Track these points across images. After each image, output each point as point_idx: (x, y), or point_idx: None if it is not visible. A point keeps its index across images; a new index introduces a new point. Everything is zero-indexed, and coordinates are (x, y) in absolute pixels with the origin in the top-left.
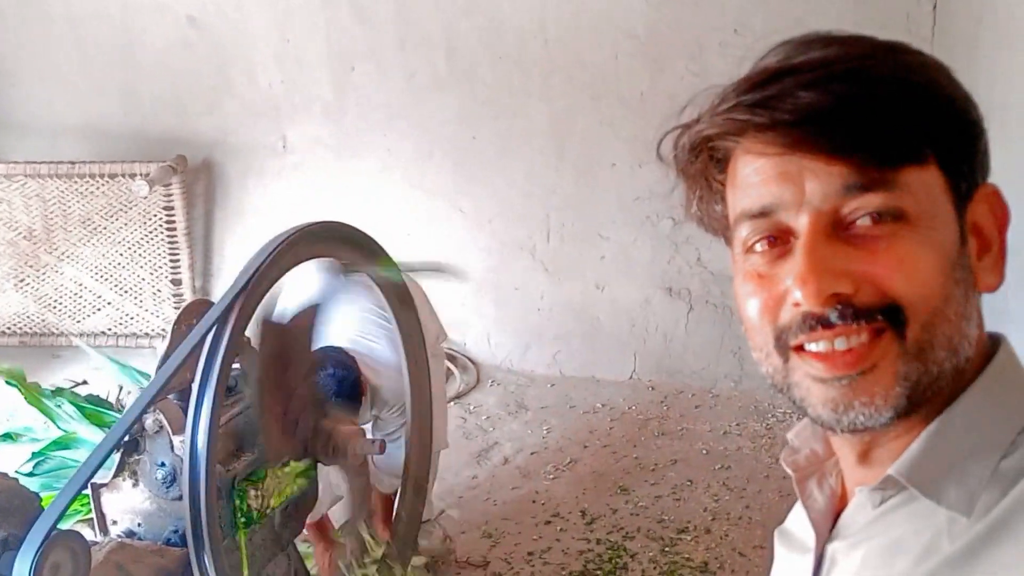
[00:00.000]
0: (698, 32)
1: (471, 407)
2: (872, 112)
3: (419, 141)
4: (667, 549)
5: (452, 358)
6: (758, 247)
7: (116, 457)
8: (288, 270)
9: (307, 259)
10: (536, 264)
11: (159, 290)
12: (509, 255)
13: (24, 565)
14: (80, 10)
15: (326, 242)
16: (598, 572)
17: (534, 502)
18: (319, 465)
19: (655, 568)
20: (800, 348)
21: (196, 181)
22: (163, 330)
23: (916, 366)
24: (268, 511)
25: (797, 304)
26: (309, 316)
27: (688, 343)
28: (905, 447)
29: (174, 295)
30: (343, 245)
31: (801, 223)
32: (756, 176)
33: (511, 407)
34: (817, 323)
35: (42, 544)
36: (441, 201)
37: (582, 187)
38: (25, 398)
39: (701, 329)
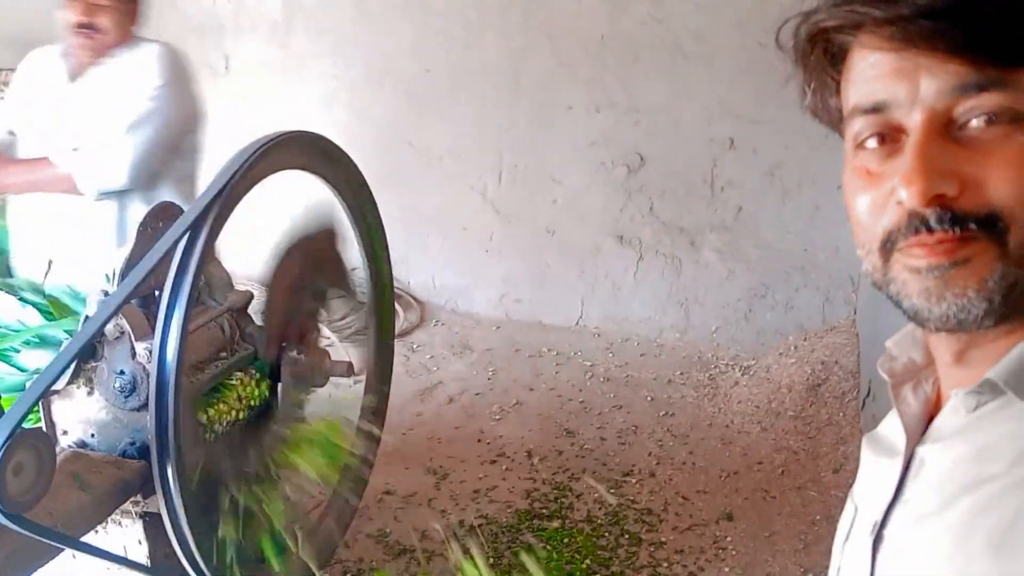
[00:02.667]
0: None
1: (415, 346)
2: (992, 10)
3: (369, 70)
4: (612, 491)
5: (397, 296)
6: (869, 143)
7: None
8: (262, 179)
9: (281, 169)
10: (486, 204)
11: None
12: (458, 194)
13: None
14: None
15: (302, 153)
16: (543, 511)
17: (479, 441)
18: None
19: (600, 509)
20: (901, 251)
21: None
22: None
23: (1013, 270)
24: (229, 425)
25: (900, 203)
26: (333, 236)
27: (636, 292)
28: (1003, 351)
29: None
30: (319, 157)
31: (913, 121)
32: (871, 71)
33: (456, 348)
34: (919, 223)
35: (4, 443)
36: (390, 133)
37: (536, 128)
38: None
39: (649, 279)
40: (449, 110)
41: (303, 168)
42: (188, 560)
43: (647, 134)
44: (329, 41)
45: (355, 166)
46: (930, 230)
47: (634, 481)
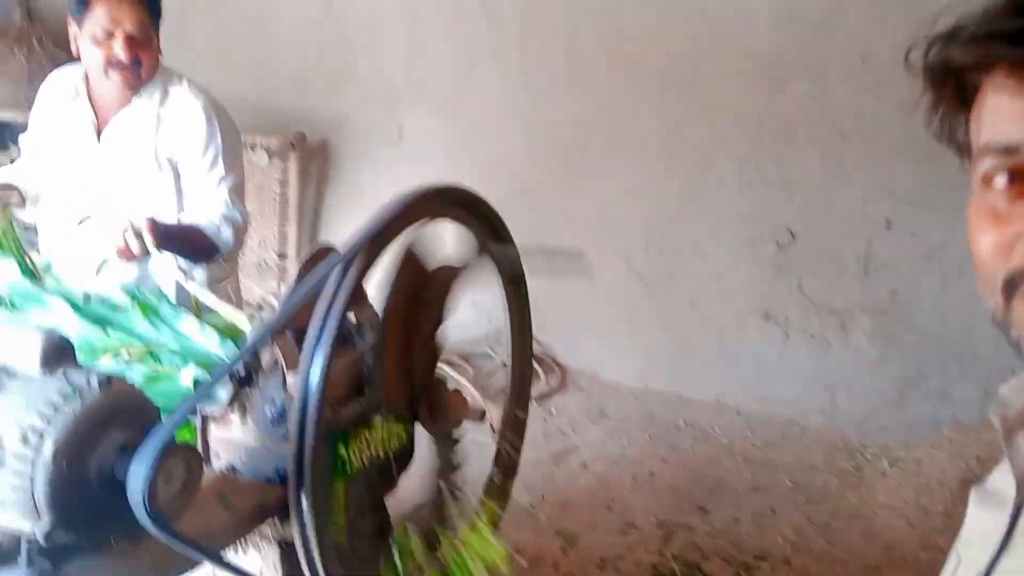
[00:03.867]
0: (822, 56)
1: (553, 409)
2: None
3: (529, 140)
4: (743, 574)
5: (539, 359)
6: (998, 182)
7: (229, 389)
8: (413, 225)
9: (433, 217)
10: (631, 274)
11: (265, 261)
12: (605, 262)
13: (141, 468)
14: None
15: (455, 206)
16: None
17: (610, 509)
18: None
19: None
20: None
21: (312, 160)
22: (262, 299)
23: None
24: (367, 463)
25: None
26: (454, 273)
27: (780, 371)
28: None
29: (279, 267)
30: (471, 212)
31: None
32: (1005, 112)
33: (593, 414)
34: None
35: (160, 451)
36: (544, 201)
37: (686, 202)
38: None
39: (795, 359)
40: (602, 180)
41: (453, 218)
42: None
43: (799, 211)
44: (494, 112)
45: (502, 221)
46: None
47: (767, 567)
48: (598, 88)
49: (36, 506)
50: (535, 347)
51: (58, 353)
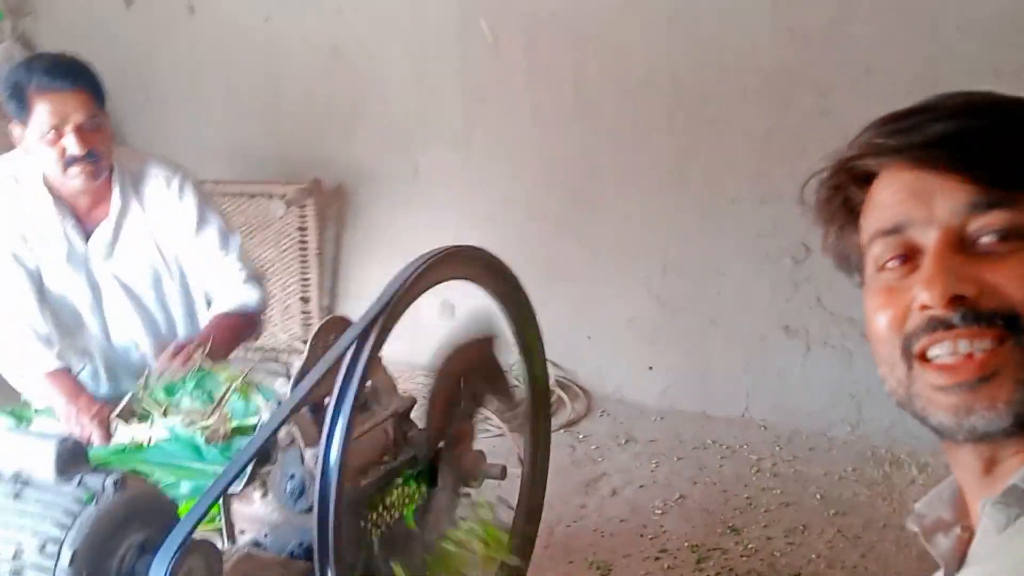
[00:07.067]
0: (828, 70)
1: (580, 436)
2: (997, 140)
3: (541, 171)
4: None
5: (564, 386)
6: (889, 265)
7: (248, 468)
8: (425, 290)
9: (444, 280)
10: (651, 296)
11: (288, 306)
12: (624, 286)
13: (160, 569)
14: (229, 38)
15: (465, 266)
16: None
17: (642, 536)
18: None
19: None
20: (923, 357)
21: (330, 204)
22: (289, 344)
23: None
24: (389, 527)
25: (923, 307)
26: (492, 341)
27: (804, 384)
28: None
29: (302, 312)
30: (482, 271)
31: (930, 238)
32: (890, 198)
33: (620, 438)
34: (939, 325)
35: (178, 550)
36: (560, 230)
37: (701, 222)
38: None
39: (818, 371)
40: (616, 206)
41: (465, 279)
42: None
43: (814, 225)
44: (506, 146)
45: (514, 277)
46: (950, 327)
47: None
48: (607, 116)
49: None
50: (560, 374)
51: (73, 459)
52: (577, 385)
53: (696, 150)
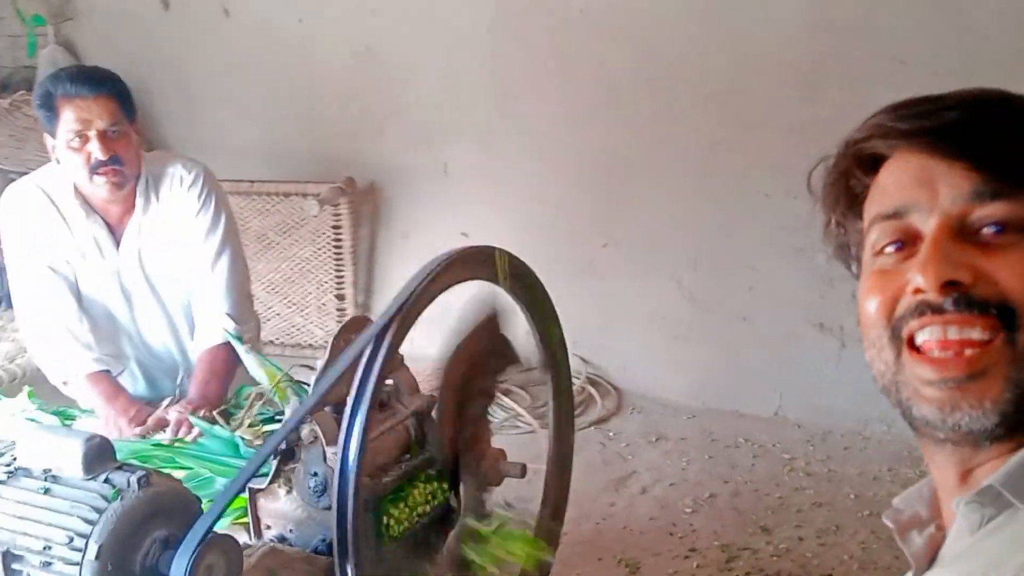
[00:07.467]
0: (860, 62)
1: (611, 433)
2: (1007, 133)
3: (568, 167)
4: None
5: (594, 383)
6: (887, 250)
7: (273, 464)
8: (443, 291)
9: (462, 281)
10: (681, 293)
11: (324, 304)
12: (653, 283)
13: (181, 564)
14: (263, 39)
15: (480, 266)
16: None
17: (671, 534)
18: None
19: None
20: (912, 344)
21: (363, 202)
22: (325, 342)
23: None
24: (411, 525)
25: (917, 291)
26: (496, 323)
27: (838, 382)
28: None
29: (338, 309)
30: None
31: (930, 225)
32: (894, 181)
33: (650, 436)
34: (929, 308)
35: (198, 545)
36: (588, 227)
37: (732, 217)
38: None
39: (853, 368)
40: (644, 202)
41: (484, 279)
42: None
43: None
44: (535, 143)
45: (533, 275)
46: (940, 311)
47: None
48: (635, 111)
49: None
50: (591, 371)
51: (99, 456)
52: (608, 382)
53: (724, 144)
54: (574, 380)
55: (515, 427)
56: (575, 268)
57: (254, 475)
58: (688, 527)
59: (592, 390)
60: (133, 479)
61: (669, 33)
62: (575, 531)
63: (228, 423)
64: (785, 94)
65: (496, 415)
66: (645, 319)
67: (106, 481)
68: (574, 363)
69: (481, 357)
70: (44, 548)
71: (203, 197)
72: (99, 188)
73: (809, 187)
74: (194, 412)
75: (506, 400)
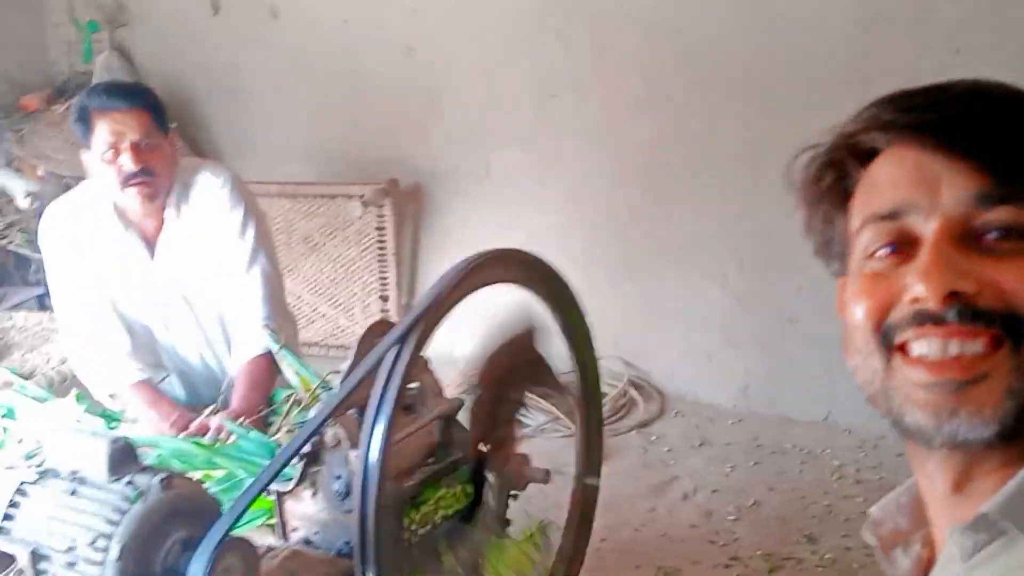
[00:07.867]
0: (913, 52)
1: (653, 437)
2: (1015, 130)
3: (612, 167)
4: None
5: (637, 386)
6: (879, 253)
7: (299, 467)
8: (468, 294)
9: (488, 284)
10: (726, 293)
11: (368, 305)
12: (698, 284)
13: (199, 566)
14: (310, 41)
15: (507, 269)
16: None
17: (712, 543)
18: None
19: None
20: (904, 350)
21: (407, 203)
22: None
23: None
24: (433, 527)
25: (915, 300)
26: (533, 336)
27: None
28: (1003, 482)
29: (382, 310)
30: (527, 274)
31: (929, 228)
32: (891, 179)
33: (694, 441)
34: (929, 319)
35: (216, 547)
36: (631, 227)
37: (778, 215)
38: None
39: None
40: (688, 201)
41: (509, 282)
42: None
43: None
44: (576, 142)
45: (561, 279)
46: (940, 323)
47: None
48: (678, 108)
49: None
50: (633, 374)
51: (124, 458)
52: (651, 385)
53: (770, 140)
54: (615, 384)
55: (555, 431)
56: (618, 268)
57: (274, 479)
58: (730, 535)
59: (634, 393)
60: (155, 481)
61: (712, 25)
62: (613, 537)
63: (266, 430)
64: (834, 86)
65: (534, 418)
66: (689, 321)
67: (129, 483)
68: (616, 365)
69: (520, 362)
70: (68, 548)
71: (233, 197)
72: (131, 199)
73: (789, 178)
74: (234, 420)
75: (544, 403)
